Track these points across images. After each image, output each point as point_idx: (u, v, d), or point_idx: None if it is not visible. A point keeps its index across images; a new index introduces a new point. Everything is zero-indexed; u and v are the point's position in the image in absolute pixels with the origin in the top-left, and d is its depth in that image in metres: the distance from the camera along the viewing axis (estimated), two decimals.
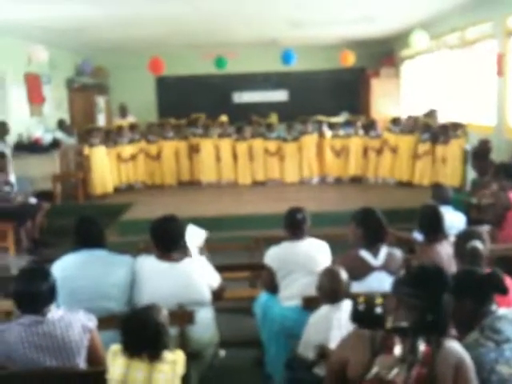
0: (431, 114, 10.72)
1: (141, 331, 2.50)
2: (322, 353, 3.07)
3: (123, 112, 12.41)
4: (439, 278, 2.25)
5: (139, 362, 2.49)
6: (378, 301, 2.71)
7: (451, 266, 3.71)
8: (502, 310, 2.39)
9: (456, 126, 9.14)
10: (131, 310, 2.73)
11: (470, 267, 2.67)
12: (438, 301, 2.19)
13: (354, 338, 2.35)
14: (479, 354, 2.28)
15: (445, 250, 3.87)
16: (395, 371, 2.08)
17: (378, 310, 2.66)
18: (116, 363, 2.51)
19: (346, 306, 3.19)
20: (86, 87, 13.28)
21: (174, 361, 2.55)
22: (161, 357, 2.51)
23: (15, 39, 10.11)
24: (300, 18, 9.87)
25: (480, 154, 7.70)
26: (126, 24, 9.77)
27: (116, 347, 2.56)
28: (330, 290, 3.28)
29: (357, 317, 2.72)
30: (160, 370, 2.49)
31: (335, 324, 3.13)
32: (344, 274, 3.36)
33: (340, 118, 12.09)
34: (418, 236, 4.57)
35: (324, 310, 3.25)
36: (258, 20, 10.08)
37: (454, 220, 5.05)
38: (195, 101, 14.05)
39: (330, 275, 3.35)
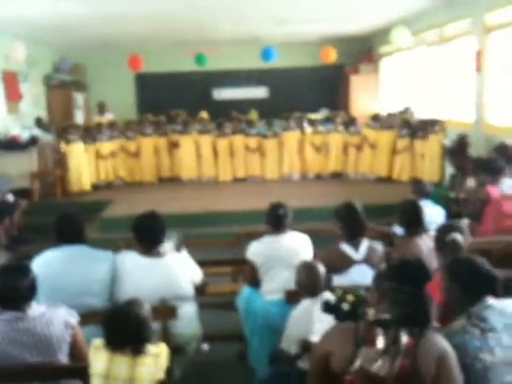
0: (406, 111, 10.82)
1: (123, 325, 2.50)
2: (305, 346, 3.09)
3: (101, 109, 12.33)
4: (419, 270, 2.28)
5: (122, 356, 2.48)
6: (349, 298, 2.73)
7: (431, 260, 3.75)
8: (490, 300, 2.43)
9: (434, 122, 9.23)
10: (113, 305, 2.71)
11: (469, 256, 2.69)
12: (419, 294, 2.21)
13: (338, 330, 2.37)
14: (464, 341, 2.32)
15: (424, 244, 3.91)
16: (379, 363, 2.10)
17: (345, 306, 2.68)
18: (98, 358, 2.49)
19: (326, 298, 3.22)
20: (64, 84, 13.13)
21: (157, 354, 2.54)
22: (143, 350, 2.50)
23: None
24: (283, 15, 9.90)
25: (458, 149, 7.81)
26: (110, 21, 9.70)
27: (98, 342, 2.55)
28: (308, 284, 3.31)
29: (326, 308, 2.75)
30: (143, 363, 2.48)
31: (316, 317, 3.14)
32: (321, 267, 3.39)
33: (320, 115, 12.14)
34: (398, 230, 4.61)
35: (304, 303, 3.27)
36: (244, 17, 10.09)
37: (433, 214, 5.11)
38: (175, 98, 13.98)
39: (307, 269, 3.37)
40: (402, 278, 2.24)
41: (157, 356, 2.53)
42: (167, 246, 3.61)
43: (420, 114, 10.50)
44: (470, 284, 2.47)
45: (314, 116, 11.32)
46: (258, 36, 12.43)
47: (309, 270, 3.36)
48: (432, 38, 10.10)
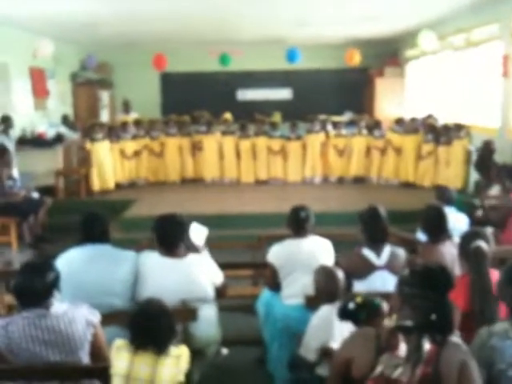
0: (429, 118, 10.70)
1: (151, 324, 2.51)
2: (325, 353, 3.07)
3: (126, 108, 12.41)
4: (443, 277, 2.25)
5: (143, 356, 2.49)
6: (358, 299, 2.74)
7: (454, 267, 3.71)
8: None
9: (459, 127, 9.12)
10: (140, 304, 2.73)
11: None
12: (442, 300, 2.19)
13: (359, 336, 2.36)
14: (504, 345, 2.28)
15: (448, 251, 3.87)
16: (400, 370, 2.08)
17: (351, 306, 2.68)
18: (120, 358, 2.51)
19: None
20: (90, 82, 13.29)
21: (178, 355, 2.55)
22: (166, 351, 2.51)
23: (20, 32, 10.09)
24: (306, 17, 9.87)
25: (483, 156, 7.70)
26: (135, 20, 9.79)
27: (120, 342, 2.56)
28: (326, 289, 3.29)
29: (342, 314, 2.75)
30: (164, 364, 2.49)
31: (336, 324, 3.12)
32: (340, 273, 3.37)
33: (343, 118, 12.08)
34: (421, 236, 4.56)
35: (324, 310, 3.25)
36: (267, 18, 10.09)
37: (457, 221, 5.05)
38: (199, 98, 14.04)
39: (325, 274, 3.36)
40: (424, 284, 2.22)
41: (178, 358, 2.54)
42: (197, 238, 3.63)
43: (445, 118, 10.38)
44: None
45: (337, 119, 11.26)
46: (283, 37, 12.43)
47: (327, 275, 3.34)
48: (458, 42, 9.99)
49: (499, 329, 2.34)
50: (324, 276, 3.35)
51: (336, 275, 3.33)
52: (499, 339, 2.28)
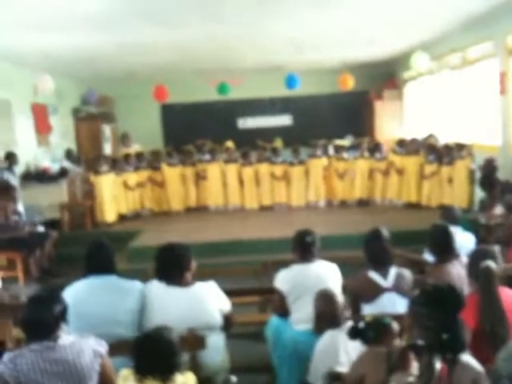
0: (430, 138, 10.75)
1: (154, 350, 2.50)
2: (333, 377, 3.04)
3: (125, 141, 12.45)
4: (453, 297, 2.25)
5: None
6: (367, 318, 2.74)
7: (463, 286, 3.69)
8: None
9: (460, 147, 9.15)
10: (144, 332, 2.71)
11: None
12: (453, 320, 2.18)
13: (370, 355, 2.35)
14: None
15: (456, 270, 3.85)
16: None
17: (361, 325, 2.68)
18: None
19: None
20: (91, 116, 13.40)
21: (184, 383, 2.52)
22: (172, 378, 2.49)
23: (21, 68, 10.23)
24: (304, 42, 9.99)
25: (486, 174, 7.71)
26: (135, 52, 9.94)
27: (126, 371, 2.55)
28: (326, 313, 3.28)
29: (352, 333, 2.74)
30: None
31: (341, 348, 3.11)
32: (339, 297, 3.37)
33: (345, 142, 12.13)
34: (428, 257, 4.55)
35: (328, 335, 3.23)
36: (266, 45, 10.22)
37: (463, 240, 5.04)
38: (200, 127, 14.14)
39: (323, 299, 3.36)
40: (435, 304, 2.22)
41: None
42: None
43: (445, 138, 10.41)
44: None
45: (339, 142, 11.32)
46: (281, 64, 12.57)
47: (325, 299, 3.34)
48: (455, 61, 10.08)
49: None
50: (322, 300, 3.35)
51: (334, 299, 3.33)
52: None
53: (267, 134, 14.05)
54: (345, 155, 10.54)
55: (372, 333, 2.61)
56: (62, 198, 9.49)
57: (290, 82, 11.56)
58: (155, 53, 10.13)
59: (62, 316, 2.74)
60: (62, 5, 6.40)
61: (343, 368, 2.93)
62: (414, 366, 2.12)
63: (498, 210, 6.44)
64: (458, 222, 5.55)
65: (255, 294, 5.00)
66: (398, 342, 2.54)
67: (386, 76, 13.99)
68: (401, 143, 10.36)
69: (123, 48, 9.43)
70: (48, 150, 11.24)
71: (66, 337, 2.74)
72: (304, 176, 10.47)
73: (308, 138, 11.27)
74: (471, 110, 9.67)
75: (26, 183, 9.19)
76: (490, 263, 3.10)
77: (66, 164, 10.67)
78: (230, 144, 11.89)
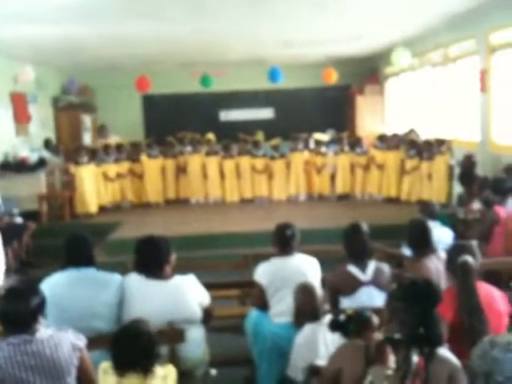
0: (411, 133, 10.84)
1: (133, 343, 2.48)
2: (312, 371, 3.06)
3: (101, 132, 12.33)
4: (430, 291, 2.27)
5: (130, 378, 2.46)
6: (348, 311, 2.78)
7: (440, 280, 3.74)
8: None
9: (440, 142, 9.24)
10: (121, 326, 2.69)
11: None
12: (430, 314, 2.21)
13: (348, 348, 2.37)
14: (505, 358, 2.26)
15: (433, 265, 3.90)
16: (389, 382, 2.09)
17: (342, 318, 2.71)
18: (107, 381, 2.48)
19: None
20: (72, 106, 13.24)
21: (165, 376, 2.52)
22: (153, 370, 2.48)
23: (1, 57, 10.05)
24: (291, 38, 9.99)
25: (464, 169, 7.80)
26: (117, 43, 9.83)
27: (106, 364, 2.53)
28: (306, 306, 3.30)
29: (333, 325, 2.76)
30: None
31: (321, 341, 3.13)
32: (318, 290, 3.38)
33: (324, 136, 12.16)
34: (406, 251, 4.60)
35: (307, 328, 3.25)
36: (253, 40, 10.20)
37: (441, 235, 5.10)
38: (182, 119, 14.06)
39: (303, 292, 3.37)
40: (411, 298, 2.24)
41: (164, 378, 2.51)
42: None
43: (426, 134, 10.51)
44: None
45: (319, 136, 11.35)
46: (265, 58, 12.55)
47: (305, 292, 3.36)
48: (436, 58, 10.15)
49: (502, 340, 2.34)
50: (302, 293, 3.37)
51: (314, 292, 3.35)
52: (501, 351, 2.29)
53: (249, 126, 14.00)
54: (323, 149, 10.58)
55: (352, 326, 2.64)
56: (41, 189, 9.38)
57: (273, 75, 11.55)
58: (138, 45, 10.03)
59: (40, 309, 2.71)
60: None
61: (322, 361, 2.95)
62: (392, 360, 2.14)
63: (476, 205, 6.51)
64: (436, 216, 5.61)
65: (235, 287, 5.00)
66: (376, 336, 2.57)
67: (368, 71, 14.04)
68: (382, 138, 10.44)
69: (106, 39, 9.33)
70: (27, 140, 11.08)
71: (44, 330, 2.71)
72: (285, 170, 10.49)
73: (289, 132, 11.28)
74: (452, 106, 9.76)
75: (3, 173, 9.06)
76: (468, 258, 3.14)
77: (45, 154, 10.55)
78: (210, 136, 11.85)
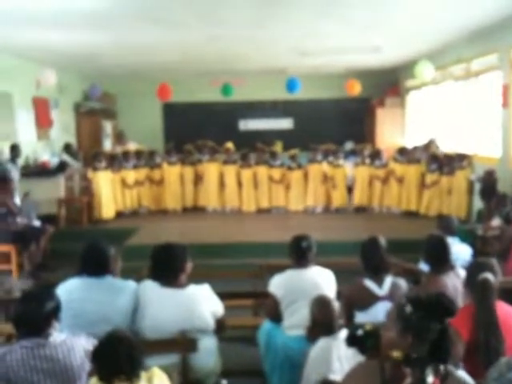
0: (431, 144, 10.76)
1: (115, 350, 2.44)
2: None
3: (120, 139, 12.43)
4: (441, 305, 2.23)
5: None
6: (367, 327, 2.70)
7: (457, 297, 3.67)
8: None
9: (461, 157, 9.16)
10: (101, 337, 2.65)
11: None
12: (442, 328, 2.16)
13: (363, 368, 2.32)
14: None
15: (451, 281, 3.83)
16: None
17: (359, 332, 2.64)
18: None
19: (344, 336, 3.16)
20: (93, 112, 13.39)
21: (150, 376, 2.49)
22: (138, 376, 2.45)
23: (24, 61, 10.21)
24: (309, 47, 9.99)
25: (485, 186, 7.71)
26: (138, 52, 9.94)
27: (94, 379, 2.50)
28: (322, 320, 3.25)
29: (350, 340, 2.71)
30: None
31: (335, 356, 3.09)
32: (335, 304, 3.33)
33: (346, 147, 12.11)
34: (424, 267, 4.53)
35: (322, 342, 3.21)
36: (269, 48, 10.22)
37: (460, 251, 5.03)
38: (201, 128, 14.13)
39: (320, 304, 3.33)
40: (423, 312, 2.20)
41: (149, 378, 2.48)
42: None
43: (446, 148, 10.42)
44: None
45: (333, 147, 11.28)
46: (284, 67, 12.57)
47: (323, 306, 3.31)
48: (458, 72, 10.08)
49: (502, 362, 2.29)
50: (319, 306, 3.32)
51: (331, 306, 3.30)
52: (501, 374, 2.24)
53: (268, 136, 14.04)
54: (341, 162, 10.54)
55: (370, 342, 2.58)
56: (60, 193, 9.47)
57: (291, 85, 11.56)
58: (157, 53, 10.13)
59: (55, 313, 2.72)
60: (68, 2, 6.39)
61: (336, 376, 2.91)
62: (408, 380, 2.10)
63: (496, 221, 6.43)
64: (454, 232, 5.53)
65: (249, 297, 4.98)
66: (395, 354, 2.52)
67: (389, 83, 13.99)
68: (402, 151, 10.36)
69: (125, 47, 9.44)
70: (48, 144, 11.22)
71: (58, 334, 2.72)
72: (303, 180, 10.46)
73: (308, 143, 11.26)
74: (473, 121, 9.67)
75: (24, 176, 9.15)
76: (489, 275, 3.09)
77: (65, 158, 10.64)
78: (229, 145, 11.87)
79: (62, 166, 9.94)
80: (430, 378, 2.06)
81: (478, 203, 8.10)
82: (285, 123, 14.95)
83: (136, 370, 2.45)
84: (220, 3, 6.74)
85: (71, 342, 2.72)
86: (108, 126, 13.85)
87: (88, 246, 3.59)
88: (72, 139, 12.50)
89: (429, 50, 10.36)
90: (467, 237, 6.09)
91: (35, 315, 2.65)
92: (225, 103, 13.97)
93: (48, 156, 10.56)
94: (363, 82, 11.79)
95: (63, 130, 12.13)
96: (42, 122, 11.00)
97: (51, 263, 7.55)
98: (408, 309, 2.26)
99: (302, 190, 10.49)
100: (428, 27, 8.41)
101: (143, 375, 2.49)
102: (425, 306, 2.22)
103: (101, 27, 7.84)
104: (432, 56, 10.43)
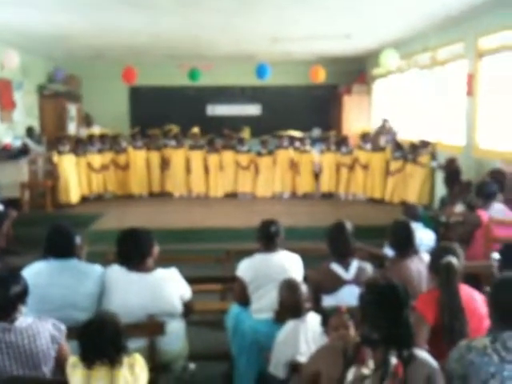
0: (384, 123, 10.90)
1: (99, 334, 2.45)
2: (293, 367, 3.06)
3: (88, 121, 12.24)
4: (397, 294, 2.28)
5: (99, 371, 2.43)
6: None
7: (421, 282, 3.76)
8: None
9: (425, 144, 9.30)
10: (87, 319, 2.65)
11: None
12: (401, 317, 2.22)
13: (327, 350, 2.37)
14: (481, 361, 2.29)
15: (415, 266, 3.91)
16: (368, 382, 2.09)
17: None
18: (75, 375, 2.45)
19: (311, 319, 3.20)
20: (57, 94, 13.08)
21: (132, 364, 2.50)
22: (121, 361, 2.46)
23: None
24: (280, 34, 9.97)
25: (447, 173, 7.86)
26: (105, 33, 9.74)
27: (74, 359, 2.50)
28: (290, 303, 3.29)
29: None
30: (120, 375, 2.44)
31: (302, 338, 3.12)
32: (304, 287, 3.37)
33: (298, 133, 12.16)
34: (388, 251, 4.61)
35: (290, 325, 3.24)
36: (241, 34, 10.15)
37: (423, 237, 5.13)
38: (168, 112, 13.98)
39: (288, 287, 3.36)
40: (379, 302, 2.25)
41: (131, 366, 2.49)
42: None
43: (411, 135, 10.57)
44: (509, 311, 2.39)
45: (295, 133, 11.33)
46: (253, 54, 12.52)
47: (291, 289, 3.34)
48: (424, 61, 10.21)
49: (478, 344, 2.35)
50: (287, 289, 3.35)
51: (299, 289, 3.33)
52: (477, 355, 2.30)
53: (236, 122, 13.99)
54: (307, 148, 10.61)
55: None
56: (23, 177, 9.28)
57: (261, 71, 11.52)
58: (127, 35, 9.94)
59: (21, 298, 2.69)
60: None
61: (303, 358, 2.95)
62: (371, 361, 2.14)
63: (459, 208, 6.56)
64: (418, 218, 5.63)
65: (217, 282, 4.99)
66: (354, 335, 2.57)
67: (356, 71, 14.08)
68: (365, 137, 10.42)
69: (95, 27, 9.22)
70: (10, 127, 10.95)
71: (24, 319, 2.68)
72: (271, 167, 10.49)
73: (276, 129, 11.28)
74: (438, 109, 9.83)
75: None
76: (452, 259, 3.16)
77: (28, 142, 10.43)
78: (196, 130, 11.80)
79: (24, 150, 9.74)
80: (394, 360, 2.11)
81: (441, 190, 8.25)
82: (253, 109, 14.92)
83: (119, 354, 2.45)
84: None
85: (37, 327, 2.69)
86: (73, 109, 13.57)
87: (52, 228, 3.55)
88: (36, 122, 12.24)
89: (396, 38, 10.45)
90: (430, 223, 6.20)
91: (0, 299, 2.61)
92: (193, 88, 13.86)
93: (10, 139, 10.32)
94: (331, 69, 11.85)
95: (26, 112, 11.86)
96: (5, 104, 10.73)
97: (15, 247, 7.43)
98: (366, 299, 2.32)
99: (271, 175, 10.52)
100: (396, 15, 8.47)
101: (125, 361, 2.49)
102: (378, 293, 2.27)
103: (68, 7, 7.63)
104: (399, 44, 10.53)
